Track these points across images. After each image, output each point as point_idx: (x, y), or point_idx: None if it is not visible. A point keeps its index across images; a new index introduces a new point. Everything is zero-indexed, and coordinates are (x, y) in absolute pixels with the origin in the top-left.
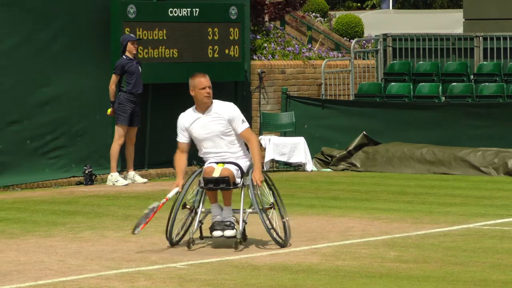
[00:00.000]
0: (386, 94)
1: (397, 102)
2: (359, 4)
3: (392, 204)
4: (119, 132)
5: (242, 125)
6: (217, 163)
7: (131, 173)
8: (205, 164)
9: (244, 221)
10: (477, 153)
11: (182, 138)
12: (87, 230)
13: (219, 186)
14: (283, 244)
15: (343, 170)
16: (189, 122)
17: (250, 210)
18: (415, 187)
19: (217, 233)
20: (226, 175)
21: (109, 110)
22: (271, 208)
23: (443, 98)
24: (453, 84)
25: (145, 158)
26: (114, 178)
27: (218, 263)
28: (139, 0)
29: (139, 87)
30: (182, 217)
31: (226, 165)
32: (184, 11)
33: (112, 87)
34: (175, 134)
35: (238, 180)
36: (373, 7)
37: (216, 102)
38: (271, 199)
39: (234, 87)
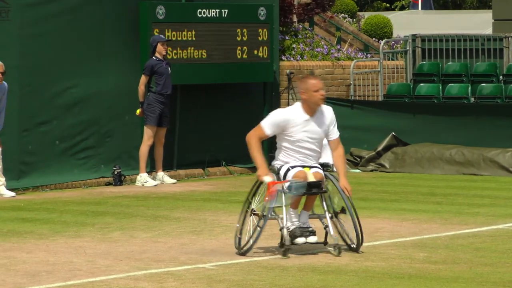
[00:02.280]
0: (415, 95)
1: (426, 103)
2: (388, 5)
3: (421, 205)
4: (148, 133)
5: (336, 131)
6: (303, 166)
7: (160, 173)
8: (284, 166)
9: (327, 226)
10: (506, 153)
11: (270, 130)
12: (116, 230)
13: (312, 191)
14: (356, 249)
15: (372, 171)
16: (296, 122)
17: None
18: (444, 188)
19: (300, 240)
20: (320, 179)
21: (138, 111)
22: (343, 212)
23: (472, 99)
24: (482, 84)
25: (174, 159)
26: (143, 178)
27: (247, 263)
28: (168, 1)
29: (168, 88)
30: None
31: (315, 169)
32: (213, 12)
33: (141, 87)
34: (203, 134)
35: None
36: (402, 8)
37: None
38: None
39: (263, 88)
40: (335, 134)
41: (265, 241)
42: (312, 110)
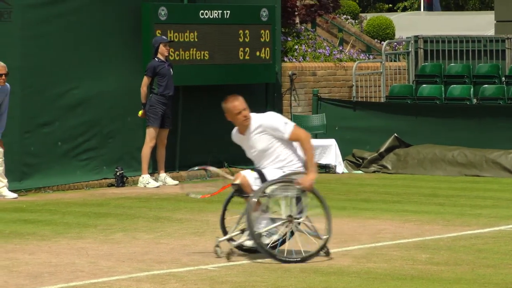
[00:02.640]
0: (417, 96)
1: (429, 104)
2: (390, 5)
3: (423, 206)
4: (150, 134)
5: (285, 129)
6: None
7: (162, 175)
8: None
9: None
10: (509, 155)
11: None
12: (119, 232)
13: (236, 193)
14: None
15: (374, 172)
16: (236, 140)
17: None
18: (446, 189)
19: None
20: (243, 183)
21: (140, 112)
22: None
23: (474, 100)
24: (484, 86)
25: (176, 160)
26: (145, 180)
27: (249, 265)
28: (170, 3)
29: (171, 89)
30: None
31: (245, 172)
32: (215, 13)
33: (143, 89)
34: (205, 136)
35: (255, 188)
36: (404, 9)
37: (253, 117)
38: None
39: (265, 89)
40: (286, 132)
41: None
42: (242, 129)
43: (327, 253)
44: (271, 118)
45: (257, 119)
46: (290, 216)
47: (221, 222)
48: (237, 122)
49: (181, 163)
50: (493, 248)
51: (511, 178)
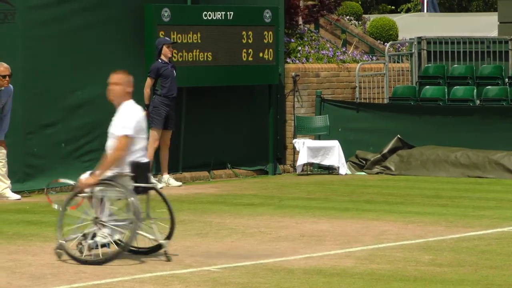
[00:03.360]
0: (420, 98)
1: (432, 106)
2: (393, 7)
3: (427, 207)
4: (153, 135)
5: (118, 130)
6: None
7: (166, 176)
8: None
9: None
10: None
11: None
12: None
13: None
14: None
15: (377, 173)
16: None
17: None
18: (449, 190)
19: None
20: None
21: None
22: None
23: (477, 102)
24: (487, 87)
25: (180, 161)
26: None
27: (252, 266)
28: (173, 4)
29: (174, 91)
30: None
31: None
32: (218, 14)
33: (147, 90)
34: (209, 137)
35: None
36: (408, 11)
37: (125, 104)
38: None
39: (268, 91)
40: (116, 133)
41: (271, 243)
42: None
43: (168, 259)
44: (121, 112)
45: (123, 106)
46: (96, 217)
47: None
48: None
49: (185, 164)
50: (496, 249)
51: None
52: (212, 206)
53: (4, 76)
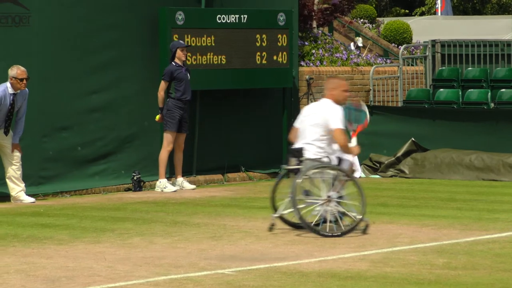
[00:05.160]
0: (434, 101)
1: (446, 109)
2: (407, 11)
3: (441, 210)
4: (167, 138)
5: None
6: None
7: (180, 179)
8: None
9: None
10: None
11: None
12: (136, 236)
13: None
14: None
15: (391, 176)
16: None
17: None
18: (463, 193)
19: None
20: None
21: (158, 117)
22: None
23: (492, 105)
24: (502, 90)
25: (194, 165)
26: (163, 184)
27: (266, 269)
28: (187, 7)
29: (188, 94)
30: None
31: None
32: (232, 17)
33: (161, 93)
34: (222, 140)
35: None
36: (422, 14)
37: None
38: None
39: (282, 94)
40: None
41: (285, 246)
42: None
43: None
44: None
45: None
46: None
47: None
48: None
49: (199, 167)
50: (511, 253)
51: None
52: (226, 209)
53: (21, 79)
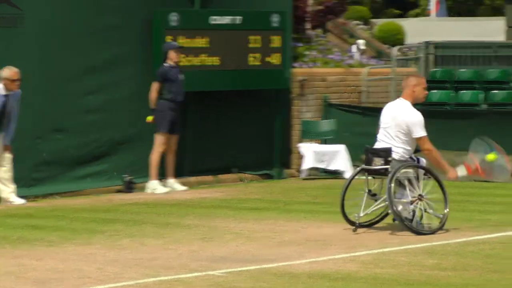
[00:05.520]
0: (427, 102)
1: (438, 110)
2: (401, 12)
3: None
4: (159, 140)
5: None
6: None
7: (171, 180)
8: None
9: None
10: None
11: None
12: (126, 237)
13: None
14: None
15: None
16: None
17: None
18: (455, 194)
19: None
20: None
21: (150, 118)
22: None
23: (484, 106)
24: (494, 91)
25: (185, 166)
26: (154, 185)
27: (257, 270)
28: (181, 8)
29: (180, 95)
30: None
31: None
32: (226, 19)
33: (153, 94)
34: (215, 142)
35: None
36: (416, 16)
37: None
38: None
39: (275, 95)
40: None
41: (275, 248)
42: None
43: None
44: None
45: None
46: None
47: (342, 201)
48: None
49: (190, 168)
50: (501, 254)
51: None
52: (217, 211)
53: (14, 81)
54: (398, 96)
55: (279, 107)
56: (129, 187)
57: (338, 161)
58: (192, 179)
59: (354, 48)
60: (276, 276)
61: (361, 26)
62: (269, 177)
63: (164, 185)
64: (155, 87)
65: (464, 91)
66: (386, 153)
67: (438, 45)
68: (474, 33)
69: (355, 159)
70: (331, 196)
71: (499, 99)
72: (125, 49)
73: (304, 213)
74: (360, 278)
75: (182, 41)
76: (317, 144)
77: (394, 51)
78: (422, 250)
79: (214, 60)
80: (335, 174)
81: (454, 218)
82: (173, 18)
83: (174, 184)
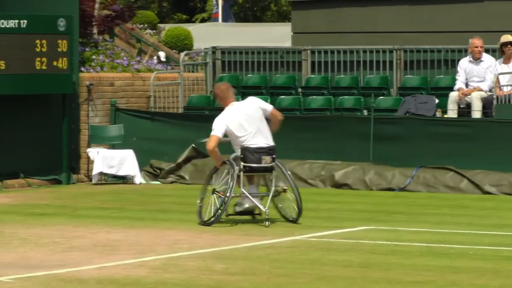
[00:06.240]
0: (213, 107)
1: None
2: (188, 17)
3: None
4: None
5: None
6: None
7: None
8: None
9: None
10: (304, 165)
11: None
12: None
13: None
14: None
15: (172, 182)
16: None
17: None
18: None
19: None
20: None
21: None
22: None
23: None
24: (281, 97)
25: None
26: None
27: (45, 276)
28: None
29: None
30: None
31: None
32: (12, 22)
33: None
34: (1, 146)
35: None
36: (203, 20)
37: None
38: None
39: (62, 99)
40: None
41: (64, 253)
42: None
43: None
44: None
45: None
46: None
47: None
48: None
49: None
50: (289, 258)
51: (306, 188)
52: (4, 216)
53: None
54: (185, 101)
55: (67, 112)
56: None
57: (127, 166)
58: None
59: (155, 60)
60: (65, 282)
61: (149, 31)
62: (57, 182)
63: None
64: None
65: (252, 96)
66: (272, 151)
67: (225, 51)
68: (261, 39)
69: (143, 164)
70: (120, 201)
71: (285, 105)
72: None
73: (92, 219)
74: (149, 283)
75: None
76: (105, 149)
77: (182, 56)
78: (211, 255)
79: (0, 64)
80: (125, 179)
81: (245, 222)
82: None
83: None
